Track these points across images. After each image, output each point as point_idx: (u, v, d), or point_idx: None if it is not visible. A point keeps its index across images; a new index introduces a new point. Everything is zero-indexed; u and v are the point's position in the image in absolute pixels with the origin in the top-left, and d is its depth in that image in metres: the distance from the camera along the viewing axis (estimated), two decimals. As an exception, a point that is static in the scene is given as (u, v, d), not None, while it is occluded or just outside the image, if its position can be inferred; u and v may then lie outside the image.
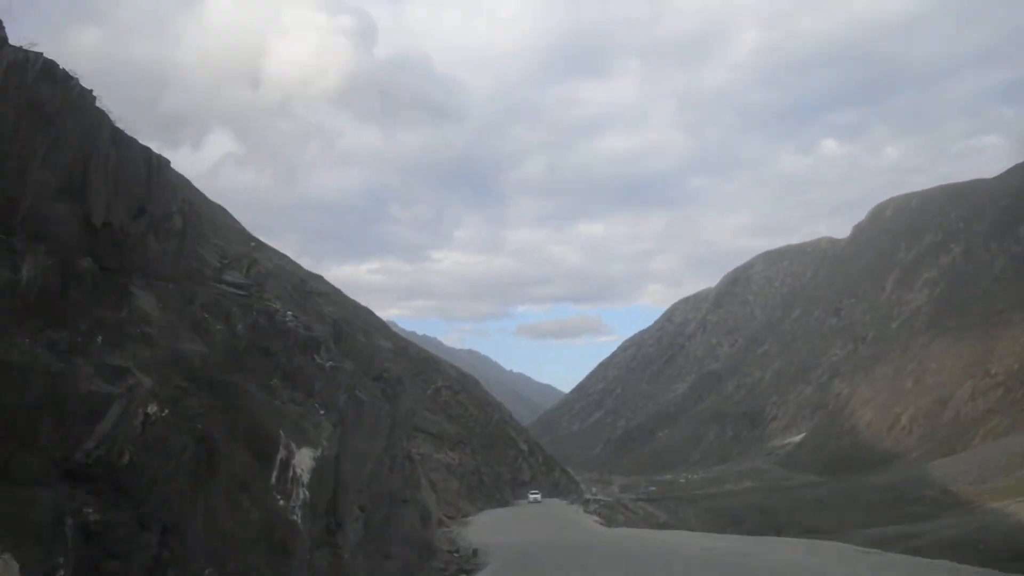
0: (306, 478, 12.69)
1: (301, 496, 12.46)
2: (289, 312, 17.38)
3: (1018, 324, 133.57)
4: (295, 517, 12.12)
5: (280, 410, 13.35)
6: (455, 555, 27.44)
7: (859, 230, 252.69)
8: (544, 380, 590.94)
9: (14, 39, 10.12)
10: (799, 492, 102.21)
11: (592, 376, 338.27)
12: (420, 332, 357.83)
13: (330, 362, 16.85)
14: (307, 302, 24.34)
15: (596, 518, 59.72)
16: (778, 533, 48.11)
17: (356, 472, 17.00)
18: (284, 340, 15.64)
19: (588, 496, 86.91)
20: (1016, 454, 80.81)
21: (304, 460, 12.76)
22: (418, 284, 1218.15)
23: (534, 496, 76.78)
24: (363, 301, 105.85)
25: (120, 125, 11.83)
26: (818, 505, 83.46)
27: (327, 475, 14.16)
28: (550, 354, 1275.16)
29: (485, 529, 42.93)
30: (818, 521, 70.53)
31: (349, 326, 26.74)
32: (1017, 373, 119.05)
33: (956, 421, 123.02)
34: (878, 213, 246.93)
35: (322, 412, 14.85)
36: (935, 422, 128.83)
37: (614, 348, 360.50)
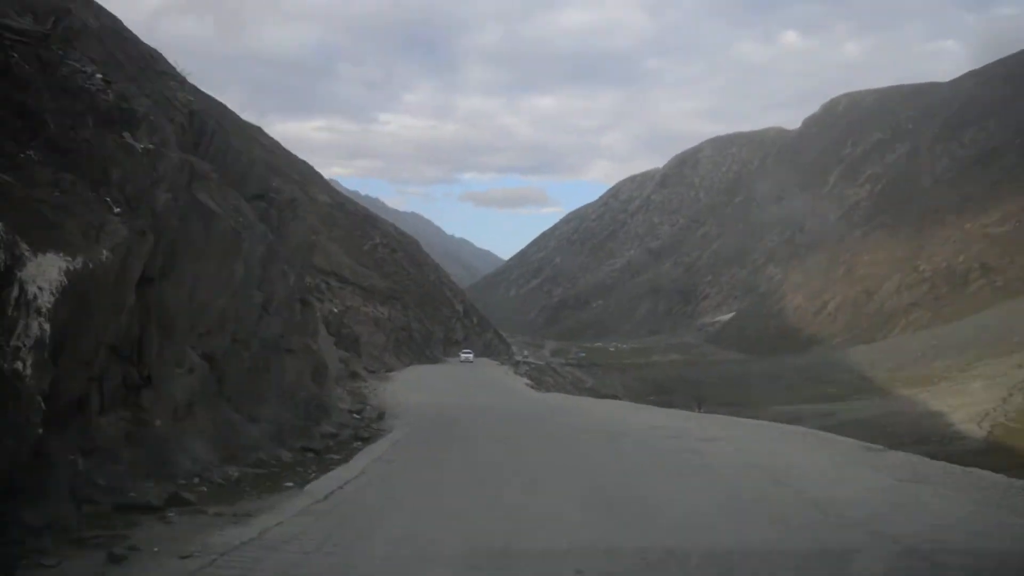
0: (46, 302, 7.69)
1: (33, 331, 7.50)
2: (99, 75, 12.10)
3: (950, 224, 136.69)
4: (17, 365, 7.26)
5: (14, 193, 8.35)
6: (356, 417, 23.13)
7: (810, 122, 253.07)
8: (485, 247, 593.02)
9: None
10: (723, 367, 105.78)
11: (533, 245, 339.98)
12: (363, 192, 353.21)
13: (149, 145, 11.89)
14: (153, 84, 17.41)
15: (527, 380, 57.33)
16: (699, 404, 49.99)
17: (195, 307, 12.99)
18: (68, 102, 10.57)
19: (518, 358, 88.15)
20: (932, 347, 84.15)
21: (45, 273, 7.80)
22: (364, 145, 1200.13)
23: (466, 355, 74.57)
24: (306, 157, 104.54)
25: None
26: (739, 380, 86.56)
27: (105, 302, 9.45)
28: (493, 222, 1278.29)
29: (407, 386, 39.40)
30: (737, 395, 73.27)
31: (220, 126, 20.68)
32: (943, 271, 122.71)
33: (880, 312, 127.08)
34: (831, 107, 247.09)
35: (117, 210, 10.09)
36: (860, 311, 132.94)
37: (557, 220, 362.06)
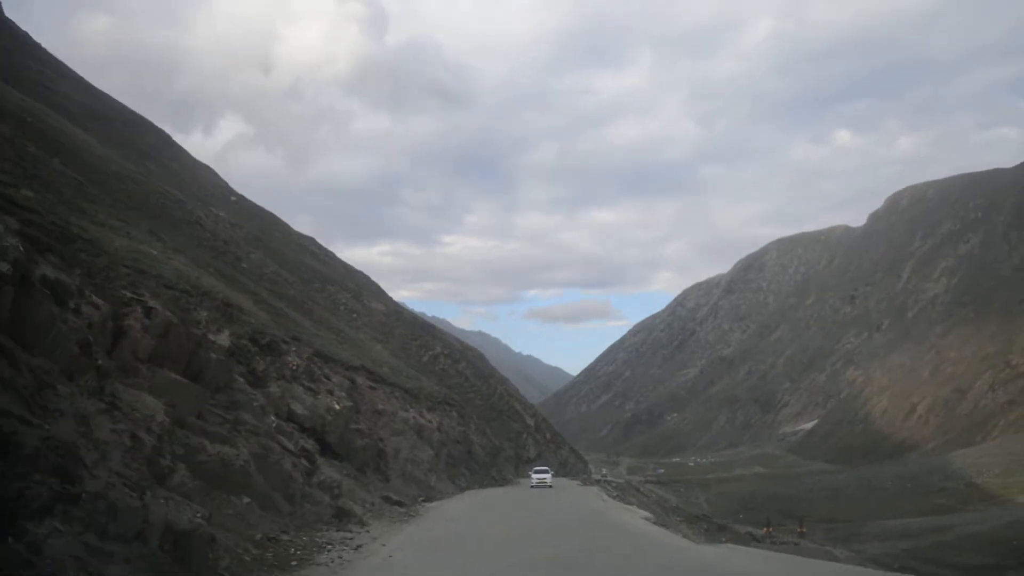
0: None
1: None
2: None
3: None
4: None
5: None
6: None
7: (875, 218, 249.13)
8: (553, 363, 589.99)
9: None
10: (812, 479, 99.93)
11: (601, 359, 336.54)
12: (430, 313, 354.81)
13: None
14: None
15: (645, 514, 36.28)
16: (800, 523, 45.88)
17: None
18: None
19: (597, 476, 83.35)
20: (1041, 447, 78.37)
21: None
22: (428, 267, 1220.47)
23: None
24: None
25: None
26: (834, 494, 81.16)
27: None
28: (559, 338, 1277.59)
29: (428, 542, 19.32)
30: (835, 511, 68.34)
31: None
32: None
33: (975, 412, 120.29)
34: (894, 202, 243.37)
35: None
36: (953, 412, 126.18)
37: (623, 332, 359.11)
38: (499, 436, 76.56)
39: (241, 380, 23.84)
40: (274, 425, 23.05)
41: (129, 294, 19.07)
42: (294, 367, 33.27)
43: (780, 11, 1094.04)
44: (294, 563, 13.58)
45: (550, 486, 51.10)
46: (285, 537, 15.75)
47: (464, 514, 29.50)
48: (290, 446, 22.63)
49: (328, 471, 25.53)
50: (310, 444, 26.72)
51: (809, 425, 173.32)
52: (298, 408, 28.48)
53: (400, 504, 29.95)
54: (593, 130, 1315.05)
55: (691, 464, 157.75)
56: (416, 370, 69.72)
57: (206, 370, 19.82)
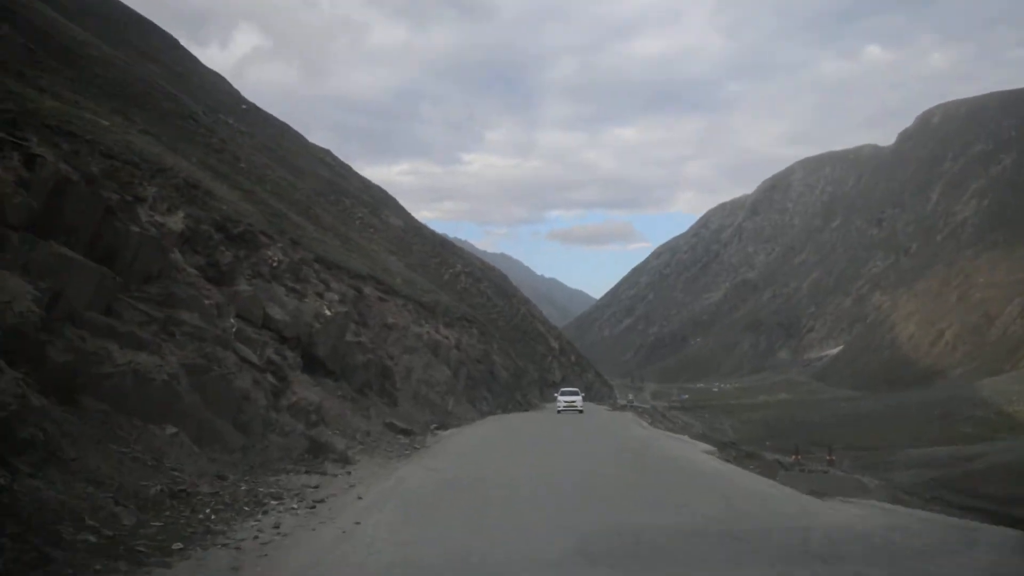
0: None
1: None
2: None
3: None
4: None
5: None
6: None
7: (905, 137, 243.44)
8: (576, 286, 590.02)
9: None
10: (838, 406, 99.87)
11: (624, 282, 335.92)
12: (451, 235, 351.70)
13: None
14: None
15: (705, 446, 28.33)
16: (829, 451, 45.65)
17: None
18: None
19: (623, 402, 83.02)
20: (1072, 374, 77.72)
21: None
22: (449, 186, 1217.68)
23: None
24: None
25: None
26: (860, 420, 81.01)
27: None
28: (582, 260, 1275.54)
29: (438, 479, 15.58)
30: (862, 438, 68.20)
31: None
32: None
33: (1004, 339, 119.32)
34: (925, 120, 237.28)
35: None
36: (981, 339, 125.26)
37: (646, 255, 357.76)
38: (523, 358, 72.42)
39: (193, 272, 18.87)
40: (233, 330, 18.29)
41: (2, 134, 14.01)
42: (274, 263, 27.71)
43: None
44: (178, 545, 8.16)
45: (580, 410, 45.94)
46: (206, 489, 10.81)
47: (481, 446, 24.55)
48: (253, 357, 17.94)
49: (305, 391, 20.48)
50: (289, 356, 22.04)
51: (834, 351, 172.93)
52: (276, 312, 23.23)
53: (407, 432, 25.42)
54: (616, 44, 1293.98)
55: (715, 389, 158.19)
56: (435, 286, 64.48)
57: (124, 250, 14.75)
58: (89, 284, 12.78)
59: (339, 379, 25.83)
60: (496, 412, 45.82)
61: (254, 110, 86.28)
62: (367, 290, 40.38)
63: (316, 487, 13.12)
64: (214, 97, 72.76)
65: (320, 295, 30.25)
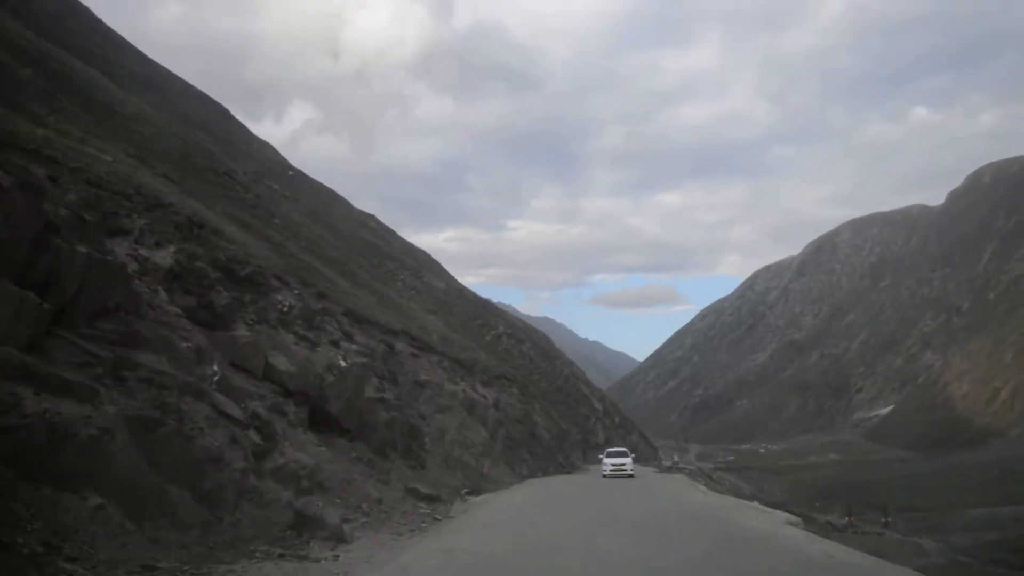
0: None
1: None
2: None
3: None
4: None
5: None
6: None
7: (954, 196, 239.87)
8: (619, 348, 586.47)
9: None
10: (890, 467, 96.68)
11: (669, 344, 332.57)
12: (495, 299, 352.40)
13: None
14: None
15: (788, 516, 24.36)
16: (885, 513, 43.59)
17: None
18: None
19: (668, 463, 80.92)
20: None
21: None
22: (494, 252, 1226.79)
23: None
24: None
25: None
26: (914, 481, 78.04)
27: None
28: (625, 323, 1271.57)
29: (454, 565, 12.30)
30: (917, 499, 65.52)
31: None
32: None
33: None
34: (976, 179, 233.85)
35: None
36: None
37: (690, 318, 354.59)
38: (565, 420, 69.84)
39: (173, 311, 16.38)
40: (215, 378, 15.68)
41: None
42: (284, 308, 24.60)
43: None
44: None
45: (631, 474, 40.31)
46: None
47: (516, 516, 20.54)
48: (234, 411, 15.02)
49: (298, 452, 17.32)
50: (291, 411, 19.36)
51: (885, 411, 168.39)
52: (280, 362, 20.50)
53: (432, 499, 22.41)
54: (661, 112, 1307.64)
55: (762, 451, 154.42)
56: (475, 345, 60.99)
57: (67, 277, 12.18)
58: (4, 313, 10.20)
59: (355, 439, 22.69)
60: (536, 475, 42.87)
61: (300, 176, 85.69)
62: (399, 345, 37.57)
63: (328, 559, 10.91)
64: (260, 163, 71.97)
65: (336, 344, 26.63)
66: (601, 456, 45.39)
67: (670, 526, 17.88)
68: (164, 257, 18.27)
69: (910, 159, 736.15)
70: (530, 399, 58.02)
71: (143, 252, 17.42)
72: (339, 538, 13.75)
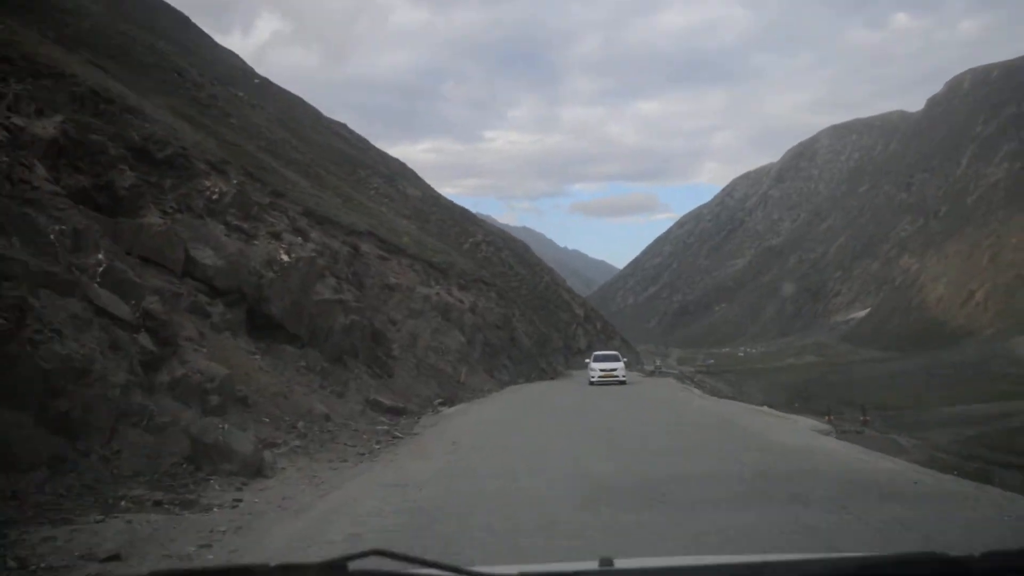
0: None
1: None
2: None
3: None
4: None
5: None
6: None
7: (934, 102, 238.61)
8: (600, 257, 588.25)
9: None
10: (868, 367, 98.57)
11: (648, 251, 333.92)
12: (474, 210, 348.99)
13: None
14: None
15: (811, 422, 23.47)
16: (863, 412, 44.55)
17: None
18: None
19: (650, 367, 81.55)
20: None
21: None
22: (472, 163, 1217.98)
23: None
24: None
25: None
26: (891, 381, 79.73)
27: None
28: (605, 232, 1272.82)
29: (393, 510, 8.53)
30: (894, 398, 67.03)
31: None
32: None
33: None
34: (955, 85, 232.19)
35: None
36: (1013, 298, 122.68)
37: (670, 225, 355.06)
38: (547, 325, 69.19)
39: (54, 191, 13.23)
40: (100, 270, 12.55)
41: None
42: (213, 196, 21.15)
43: None
44: None
45: (622, 381, 36.33)
46: None
47: (492, 430, 17.76)
48: (118, 310, 11.86)
49: (205, 362, 13.79)
50: (216, 313, 16.61)
51: (862, 313, 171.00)
52: (205, 255, 17.76)
53: (397, 411, 19.69)
54: (639, 18, 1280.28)
55: (741, 354, 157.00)
56: (451, 250, 59.12)
57: None
58: None
59: (305, 346, 19.80)
60: (518, 381, 41.19)
61: (266, 84, 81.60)
62: (366, 247, 34.97)
63: (144, 539, 7.21)
64: (221, 70, 67.13)
65: (277, 236, 22.81)
66: (587, 360, 41.05)
67: (682, 441, 15.07)
68: (45, 127, 15.14)
69: (890, 65, 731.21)
70: (509, 304, 55.96)
71: (17, 121, 14.34)
72: (255, 471, 10.49)
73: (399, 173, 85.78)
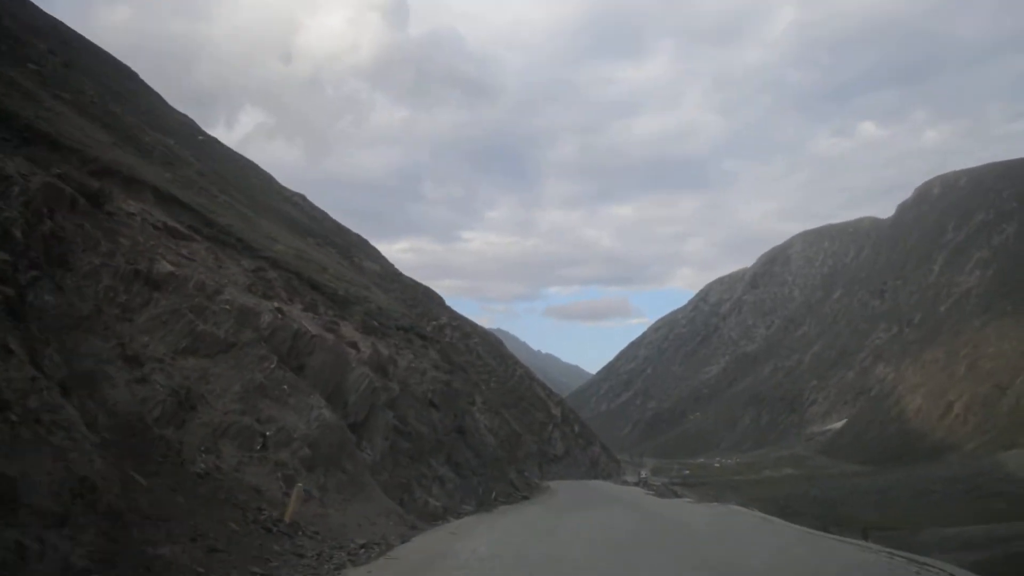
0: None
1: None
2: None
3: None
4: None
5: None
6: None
7: (904, 209, 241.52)
8: (572, 361, 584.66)
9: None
10: (849, 482, 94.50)
11: (622, 356, 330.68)
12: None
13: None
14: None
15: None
16: (865, 534, 40.47)
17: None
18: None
19: (634, 479, 76.01)
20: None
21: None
22: (449, 264, 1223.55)
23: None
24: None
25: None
26: (878, 498, 75.71)
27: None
28: (578, 336, 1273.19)
29: None
30: (885, 516, 63.01)
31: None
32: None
33: (1017, 410, 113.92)
34: (925, 191, 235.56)
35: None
36: (993, 411, 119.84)
37: (643, 330, 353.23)
38: (519, 424, 61.33)
39: None
40: None
41: None
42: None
43: None
44: None
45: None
46: None
47: None
48: None
49: None
50: None
51: (838, 424, 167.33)
52: None
53: None
54: (615, 123, 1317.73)
55: (716, 465, 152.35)
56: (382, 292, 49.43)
57: None
58: None
59: None
60: (463, 509, 24.18)
61: (213, 144, 71.63)
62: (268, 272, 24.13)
63: None
64: (164, 122, 58.24)
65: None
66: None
67: None
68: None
69: (859, 173, 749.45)
70: (458, 373, 42.96)
71: None
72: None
73: (356, 245, 78.82)
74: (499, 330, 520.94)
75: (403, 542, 15.20)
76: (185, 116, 76.26)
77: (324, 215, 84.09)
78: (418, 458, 23.91)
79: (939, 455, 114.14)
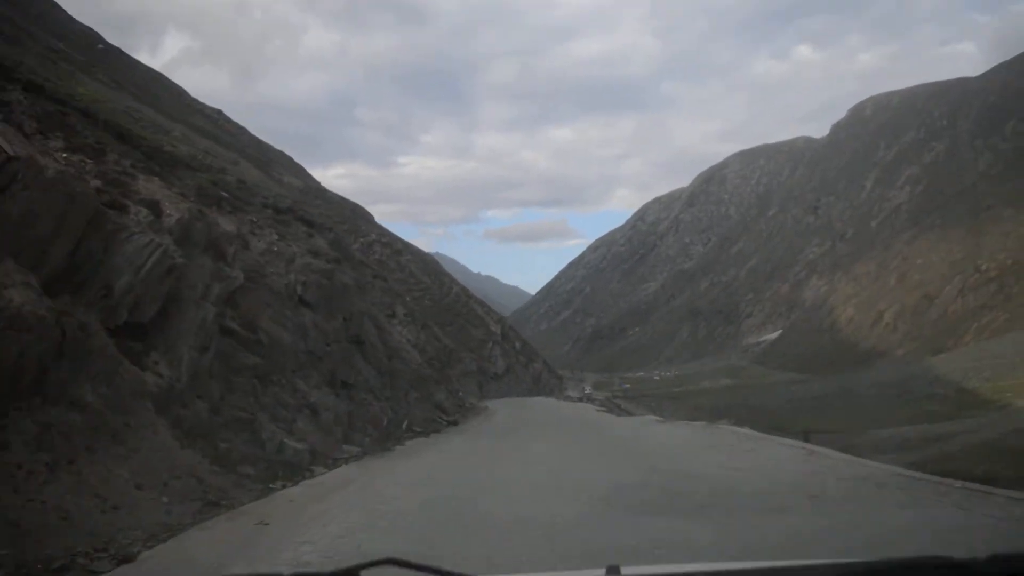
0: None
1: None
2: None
3: (1008, 220, 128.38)
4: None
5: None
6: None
7: (838, 128, 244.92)
8: (512, 282, 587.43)
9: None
10: (786, 389, 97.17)
11: (561, 276, 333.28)
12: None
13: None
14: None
15: None
16: (806, 437, 41.64)
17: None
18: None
19: (578, 394, 76.63)
20: (1024, 350, 75.59)
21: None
22: (385, 189, 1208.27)
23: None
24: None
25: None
26: (814, 404, 77.99)
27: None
28: (518, 257, 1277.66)
29: None
30: (822, 421, 64.90)
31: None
32: (1011, 268, 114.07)
33: (945, 318, 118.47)
34: (858, 112, 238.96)
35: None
36: (921, 319, 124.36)
37: (582, 250, 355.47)
38: (454, 341, 58.29)
39: None
40: None
41: None
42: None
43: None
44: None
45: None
46: None
47: None
48: None
49: None
50: None
51: (773, 336, 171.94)
52: None
53: None
54: (553, 47, 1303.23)
55: (656, 378, 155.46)
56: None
57: None
58: None
59: None
60: (346, 452, 16.77)
61: (118, 55, 68.32)
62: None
63: None
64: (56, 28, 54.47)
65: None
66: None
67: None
68: None
69: (795, 95, 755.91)
70: (360, 269, 37.62)
71: None
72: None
73: (276, 161, 75.17)
74: (438, 253, 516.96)
75: (148, 548, 7.56)
76: (87, 27, 72.07)
77: (242, 130, 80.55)
78: (272, 379, 16.70)
79: (870, 362, 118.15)
